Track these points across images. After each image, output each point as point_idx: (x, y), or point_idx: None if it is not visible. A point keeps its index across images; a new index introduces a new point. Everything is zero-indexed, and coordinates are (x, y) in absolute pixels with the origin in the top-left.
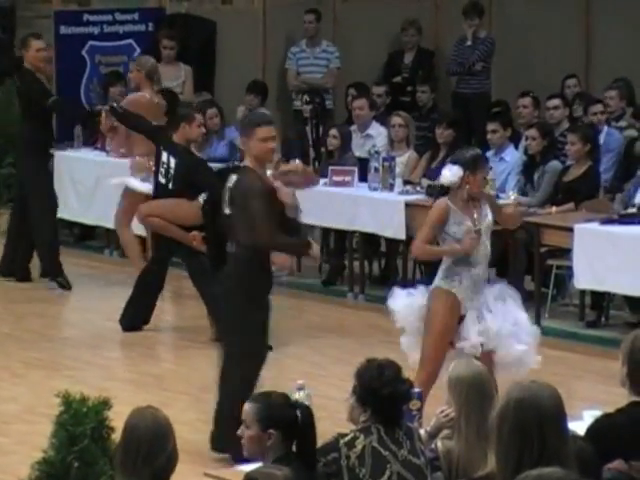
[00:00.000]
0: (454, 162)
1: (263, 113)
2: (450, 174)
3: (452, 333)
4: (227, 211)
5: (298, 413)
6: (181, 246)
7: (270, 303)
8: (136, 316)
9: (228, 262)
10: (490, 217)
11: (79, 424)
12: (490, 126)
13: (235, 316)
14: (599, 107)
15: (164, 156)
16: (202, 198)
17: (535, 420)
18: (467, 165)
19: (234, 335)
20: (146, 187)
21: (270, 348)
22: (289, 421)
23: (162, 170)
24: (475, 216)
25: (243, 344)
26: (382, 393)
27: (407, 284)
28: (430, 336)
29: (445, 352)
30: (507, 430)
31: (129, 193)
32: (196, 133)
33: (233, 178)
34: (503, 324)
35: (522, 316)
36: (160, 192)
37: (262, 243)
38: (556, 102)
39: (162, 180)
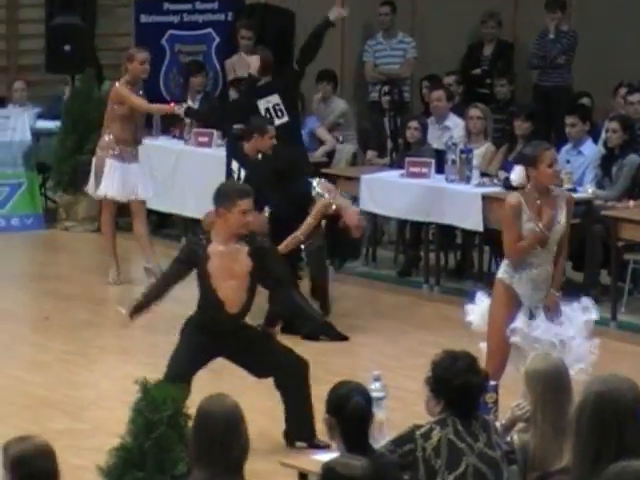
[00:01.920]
0: (516, 162)
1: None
2: (515, 176)
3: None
4: None
5: (349, 404)
6: None
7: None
8: None
9: None
10: (563, 222)
11: (156, 411)
12: (569, 119)
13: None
14: None
15: (234, 165)
16: (267, 211)
17: (614, 413)
18: (526, 161)
19: None
20: None
21: (346, 338)
22: (338, 409)
23: (233, 178)
24: (544, 220)
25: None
26: (454, 384)
27: (483, 276)
28: (492, 328)
29: (509, 344)
30: (586, 423)
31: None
32: (267, 145)
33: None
34: (545, 334)
35: (575, 342)
36: None
37: None
38: (639, 96)
39: None
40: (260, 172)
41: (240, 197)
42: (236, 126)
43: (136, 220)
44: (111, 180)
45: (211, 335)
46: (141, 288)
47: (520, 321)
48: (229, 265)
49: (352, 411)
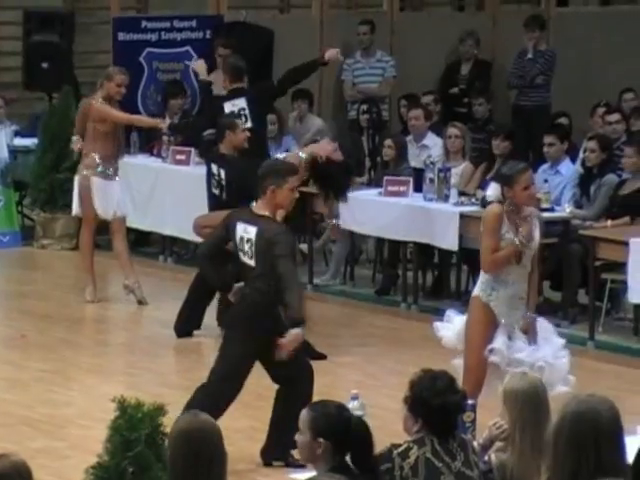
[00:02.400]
0: (492, 179)
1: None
2: (491, 192)
3: (488, 343)
4: (252, 262)
5: (351, 426)
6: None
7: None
8: (189, 322)
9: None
10: (537, 240)
11: (134, 429)
12: (547, 139)
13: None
14: None
15: (214, 168)
16: None
17: (591, 433)
18: (502, 180)
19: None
20: None
21: (324, 357)
22: (340, 433)
23: (214, 182)
24: (524, 232)
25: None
26: (432, 403)
27: (461, 295)
28: (470, 347)
29: (486, 362)
30: (563, 443)
31: None
32: (241, 139)
33: (251, 229)
34: (529, 357)
35: (557, 362)
36: (214, 203)
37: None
38: (617, 116)
39: (215, 191)
40: (240, 167)
41: (290, 174)
42: (207, 132)
43: (116, 237)
44: (96, 198)
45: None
46: (119, 305)
47: (499, 342)
48: None
49: (357, 430)
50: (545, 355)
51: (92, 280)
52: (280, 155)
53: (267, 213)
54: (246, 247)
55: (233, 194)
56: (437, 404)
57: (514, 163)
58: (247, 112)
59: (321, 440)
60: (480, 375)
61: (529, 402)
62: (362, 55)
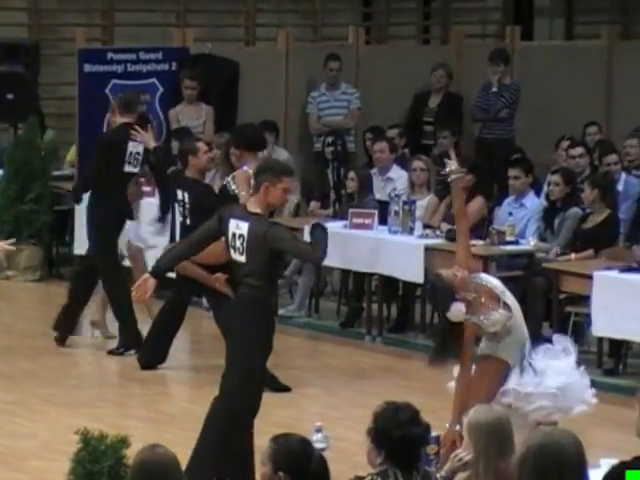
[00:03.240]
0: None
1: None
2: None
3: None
4: (242, 259)
5: (312, 462)
6: (204, 285)
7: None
8: (154, 354)
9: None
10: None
11: (97, 462)
12: (512, 172)
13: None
14: (614, 157)
15: (179, 194)
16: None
17: (556, 466)
18: None
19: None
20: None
21: (288, 389)
22: (300, 468)
23: (179, 210)
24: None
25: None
26: (394, 435)
27: (425, 328)
28: (483, 401)
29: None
30: (527, 475)
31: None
32: (204, 160)
33: (243, 225)
34: (539, 388)
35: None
36: (181, 232)
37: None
38: (580, 150)
39: (181, 219)
40: (202, 188)
41: (285, 174)
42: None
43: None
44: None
45: None
46: (83, 338)
47: (512, 382)
48: None
49: (316, 467)
50: (553, 382)
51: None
52: (228, 177)
53: (259, 210)
54: (237, 243)
55: (196, 217)
56: (399, 436)
57: None
58: (139, 157)
59: (281, 474)
60: None
61: (494, 435)
62: (327, 88)
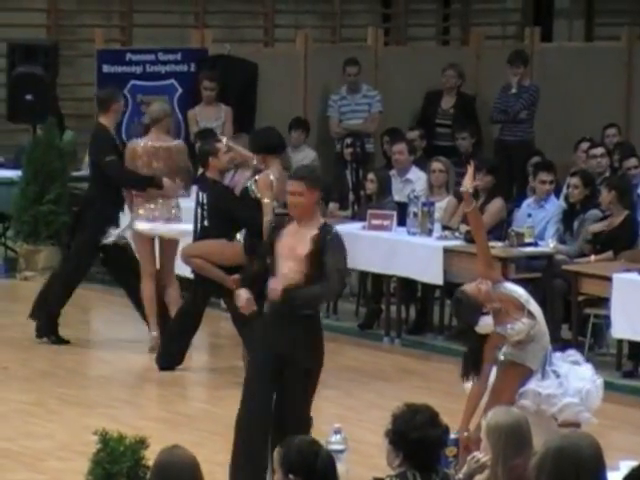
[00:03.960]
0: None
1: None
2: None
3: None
4: None
5: (319, 461)
6: (222, 286)
7: None
8: (172, 356)
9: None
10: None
11: (116, 462)
12: (547, 177)
13: None
14: (634, 161)
15: (200, 196)
16: (240, 235)
17: (573, 469)
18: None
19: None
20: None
21: None
22: (307, 468)
23: (199, 211)
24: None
25: None
26: (412, 437)
27: (443, 330)
28: (502, 403)
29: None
30: (545, 478)
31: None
32: (224, 161)
33: None
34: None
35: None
36: (200, 233)
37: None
38: (601, 150)
39: (204, 223)
40: (220, 190)
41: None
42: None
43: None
44: None
45: None
46: (101, 337)
47: (532, 384)
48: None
49: (323, 465)
50: (576, 384)
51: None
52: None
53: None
54: None
55: (214, 218)
56: (415, 438)
57: None
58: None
59: (291, 476)
60: None
61: (512, 436)
62: (347, 91)
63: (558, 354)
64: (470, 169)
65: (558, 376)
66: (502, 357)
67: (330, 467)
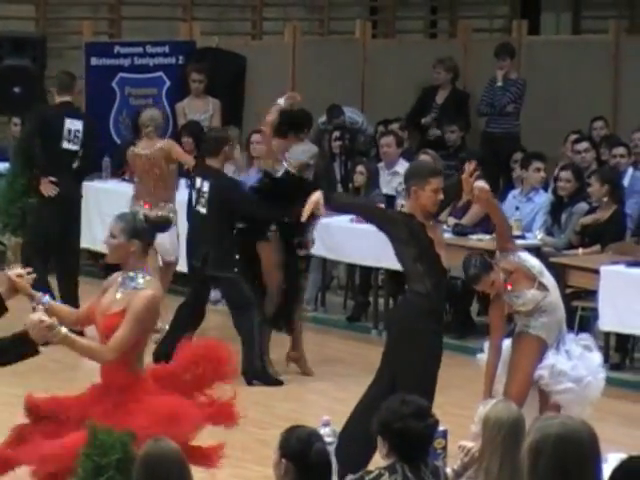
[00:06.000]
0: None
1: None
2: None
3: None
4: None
5: (312, 453)
6: (221, 279)
7: None
8: (168, 351)
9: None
10: None
11: (105, 455)
12: (539, 165)
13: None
14: (621, 150)
15: (198, 182)
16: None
17: (576, 458)
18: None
19: None
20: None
21: (281, 383)
22: (299, 455)
23: (195, 196)
24: None
25: None
26: (394, 427)
27: None
28: (520, 381)
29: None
30: (544, 466)
31: None
32: (236, 152)
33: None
34: (574, 370)
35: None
36: (193, 219)
37: None
38: (585, 145)
39: (201, 209)
40: (225, 180)
41: (432, 175)
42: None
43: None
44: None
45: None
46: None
47: (550, 358)
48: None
49: (316, 457)
50: (584, 372)
51: None
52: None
53: (414, 213)
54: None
55: (215, 209)
56: (397, 428)
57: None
58: (80, 135)
59: (284, 461)
60: (520, 404)
61: (511, 434)
62: None
63: (571, 336)
64: (470, 166)
65: (570, 358)
66: (517, 329)
67: (323, 461)
